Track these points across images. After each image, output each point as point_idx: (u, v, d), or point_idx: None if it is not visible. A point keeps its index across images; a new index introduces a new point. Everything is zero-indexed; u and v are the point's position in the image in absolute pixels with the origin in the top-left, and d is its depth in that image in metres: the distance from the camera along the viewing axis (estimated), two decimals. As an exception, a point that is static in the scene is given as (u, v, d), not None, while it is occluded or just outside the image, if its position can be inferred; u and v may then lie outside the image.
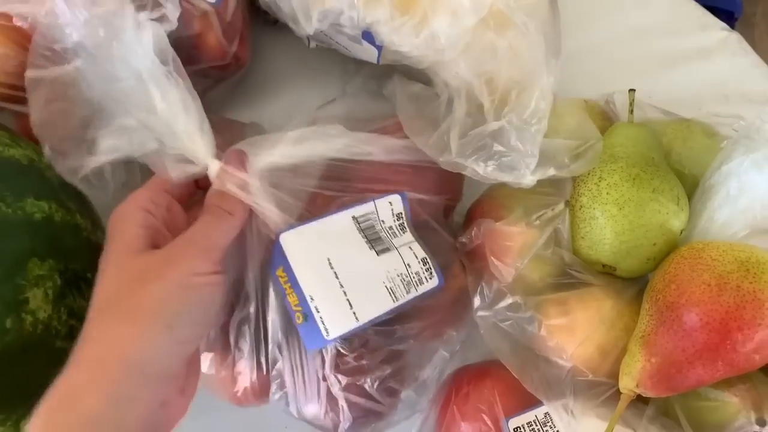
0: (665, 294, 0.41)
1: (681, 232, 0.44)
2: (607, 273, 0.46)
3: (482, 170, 0.44)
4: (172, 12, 0.40)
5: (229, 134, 0.44)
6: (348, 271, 0.39)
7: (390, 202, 0.43)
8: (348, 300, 0.39)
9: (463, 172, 0.46)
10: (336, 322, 0.39)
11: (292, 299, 0.38)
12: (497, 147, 0.43)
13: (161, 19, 0.40)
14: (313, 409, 0.40)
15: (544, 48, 0.42)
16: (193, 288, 0.34)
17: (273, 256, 0.39)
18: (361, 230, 0.41)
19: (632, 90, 0.49)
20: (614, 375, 0.43)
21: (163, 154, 0.39)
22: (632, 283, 0.46)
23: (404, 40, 0.47)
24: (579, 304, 0.44)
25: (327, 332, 0.39)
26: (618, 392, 0.42)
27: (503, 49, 0.46)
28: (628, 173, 0.43)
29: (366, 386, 0.40)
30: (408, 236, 0.43)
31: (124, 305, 0.32)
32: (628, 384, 0.41)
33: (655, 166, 0.44)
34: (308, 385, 0.40)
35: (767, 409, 0.40)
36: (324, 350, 0.40)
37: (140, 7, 0.39)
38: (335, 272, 0.39)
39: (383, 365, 0.41)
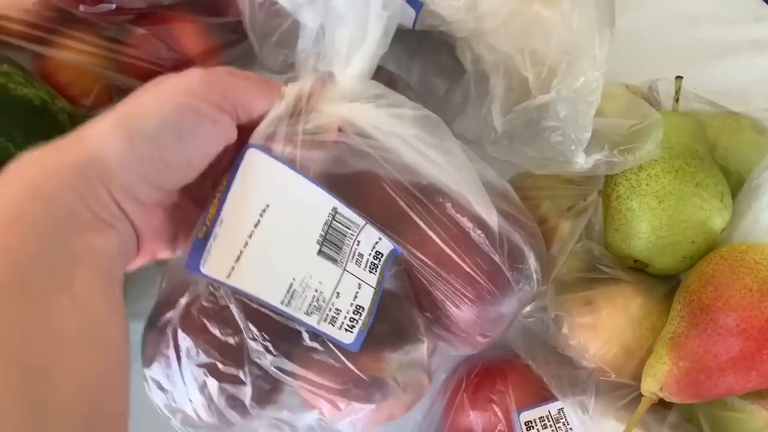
0: (700, 295, 0.38)
1: (722, 232, 0.41)
2: (637, 269, 0.44)
3: (531, 151, 0.42)
4: None
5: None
6: (270, 234, 0.33)
7: (380, 238, 0.36)
8: (240, 253, 0.33)
9: (512, 160, 0.43)
10: (215, 261, 0.32)
11: (211, 210, 0.33)
12: (546, 122, 0.40)
13: None
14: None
15: (596, 15, 0.39)
16: (175, 104, 0.30)
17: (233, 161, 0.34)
18: (329, 225, 0.35)
19: (679, 77, 0.46)
20: (638, 377, 0.41)
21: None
22: (663, 282, 0.44)
23: (444, 1, 0.44)
24: (606, 303, 0.42)
25: (204, 264, 0.32)
26: (641, 395, 0.40)
27: (551, 20, 0.43)
28: (671, 165, 0.40)
29: (194, 344, 0.33)
30: (371, 279, 0.36)
31: (110, 113, 0.30)
32: (651, 387, 0.39)
33: (699, 159, 0.41)
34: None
35: (799, 426, 0.38)
36: (196, 281, 0.34)
37: None
38: (259, 221, 0.33)
39: (217, 351, 0.33)
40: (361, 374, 0.34)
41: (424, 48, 0.55)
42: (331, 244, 0.35)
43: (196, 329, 0.33)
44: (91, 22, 0.47)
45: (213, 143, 0.32)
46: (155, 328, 0.34)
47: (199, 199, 0.35)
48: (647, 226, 0.40)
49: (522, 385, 0.43)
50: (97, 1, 0.45)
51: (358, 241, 0.35)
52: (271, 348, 0.33)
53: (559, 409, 0.43)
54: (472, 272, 0.36)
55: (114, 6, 0.46)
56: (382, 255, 0.36)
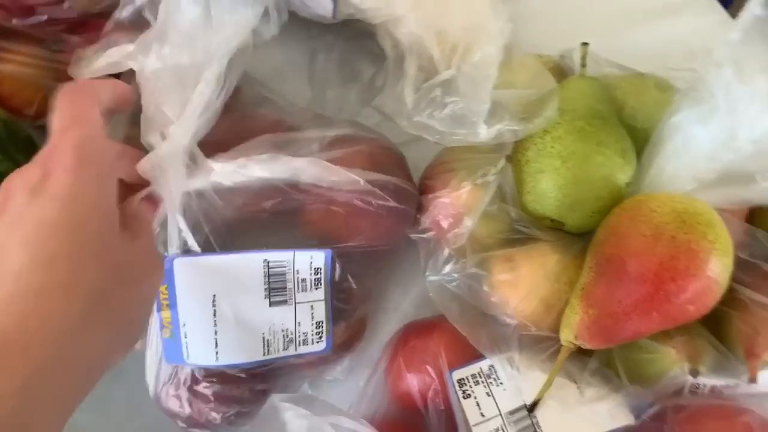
0: (604, 246, 0.41)
1: (627, 186, 0.44)
2: (556, 228, 0.46)
3: (438, 125, 0.44)
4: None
5: (242, 133, 0.44)
6: (228, 313, 0.40)
7: (311, 257, 0.42)
8: (216, 339, 0.39)
9: (424, 135, 0.46)
10: (198, 353, 0.39)
11: (165, 315, 0.39)
12: (450, 97, 0.43)
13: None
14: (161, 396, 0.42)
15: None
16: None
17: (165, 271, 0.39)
18: (268, 275, 0.41)
19: (585, 44, 0.48)
20: (559, 329, 0.43)
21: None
22: (579, 239, 0.46)
23: (354, -11, 0.47)
24: (525, 260, 0.44)
25: (188, 356, 0.39)
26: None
27: (455, 1, 0.46)
28: (573, 126, 0.43)
29: (209, 414, 0.41)
30: (318, 294, 0.42)
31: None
32: (567, 336, 0.41)
33: (602, 119, 0.43)
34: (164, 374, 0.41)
35: (702, 360, 0.40)
36: (181, 366, 0.41)
37: None
38: (215, 310, 0.39)
39: (232, 404, 0.41)
40: (336, 349, 0.45)
41: (351, 36, 0.57)
42: (276, 290, 0.41)
43: (206, 399, 0.41)
44: (29, 34, 0.49)
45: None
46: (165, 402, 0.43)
47: None
48: (554, 185, 0.43)
49: (453, 345, 0.46)
50: (28, 14, 0.47)
51: (297, 270, 0.41)
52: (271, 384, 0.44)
53: (490, 366, 0.45)
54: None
55: (45, 17, 0.48)
56: (320, 268, 0.42)
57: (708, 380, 0.41)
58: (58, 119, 0.32)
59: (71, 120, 0.31)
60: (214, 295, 0.40)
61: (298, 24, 0.57)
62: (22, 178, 0.30)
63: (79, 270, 0.29)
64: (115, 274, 0.30)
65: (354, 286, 0.45)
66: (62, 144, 0.30)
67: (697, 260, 0.37)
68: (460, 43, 0.44)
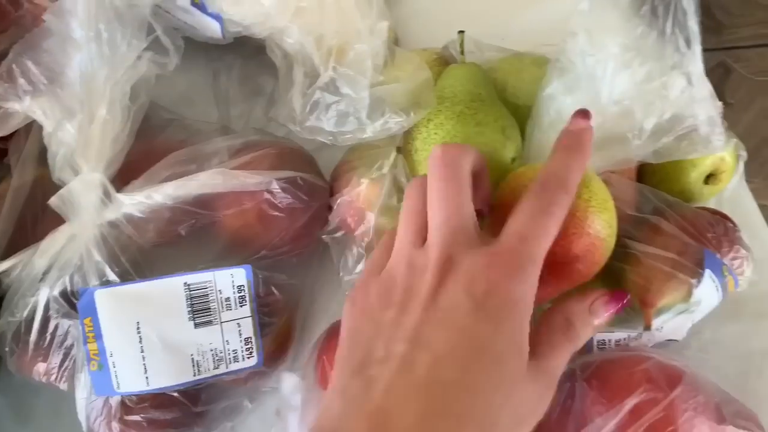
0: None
1: (513, 161, 0.45)
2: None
3: (327, 126, 0.46)
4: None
5: (151, 156, 0.45)
6: (154, 338, 0.41)
7: (232, 275, 0.43)
8: (145, 365, 0.40)
9: (319, 138, 0.47)
10: (128, 380, 0.40)
11: (91, 348, 0.40)
12: (330, 97, 0.45)
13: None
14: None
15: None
16: None
17: (83, 304, 0.40)
18: (190, 298, 0.42)
19: (461, 32, 0.50)
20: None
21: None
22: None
23: (231, 8, 0.48)
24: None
25: (118, 386, 0.40)
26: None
27: (329, 7, 0.47)
28: (452, 111, 0.45)
29: None
30: (244, 311, 0.43)
31: None
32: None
33: (480, 101, 0.45)
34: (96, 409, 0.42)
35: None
36: (111, 397, 0.42)
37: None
38: (140, 336, 0.40)
39: (167, 429, 0.42)
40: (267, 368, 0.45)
41: (250, 53, 0.59)
42: (200, 311, 0.42)
43: (139, 427, 0.42)
44: None
45: None
46: None
47: None
48: (442, 170, 0.44)
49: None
50: None
51: (219, 290, 0.42)
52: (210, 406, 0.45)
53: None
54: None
55: None
56: (243, 285, 0.43)
57: (610, 335, 0.43)
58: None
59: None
60: (138, 322, 0.41)
61: (198, 49, 0.59)
62: (467, 271, 0.30)
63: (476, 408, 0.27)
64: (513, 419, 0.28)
65: (279, 297, 0.46)
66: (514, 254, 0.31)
67: (575, 219, 0.39)
68: (335, 45, 0.45)
